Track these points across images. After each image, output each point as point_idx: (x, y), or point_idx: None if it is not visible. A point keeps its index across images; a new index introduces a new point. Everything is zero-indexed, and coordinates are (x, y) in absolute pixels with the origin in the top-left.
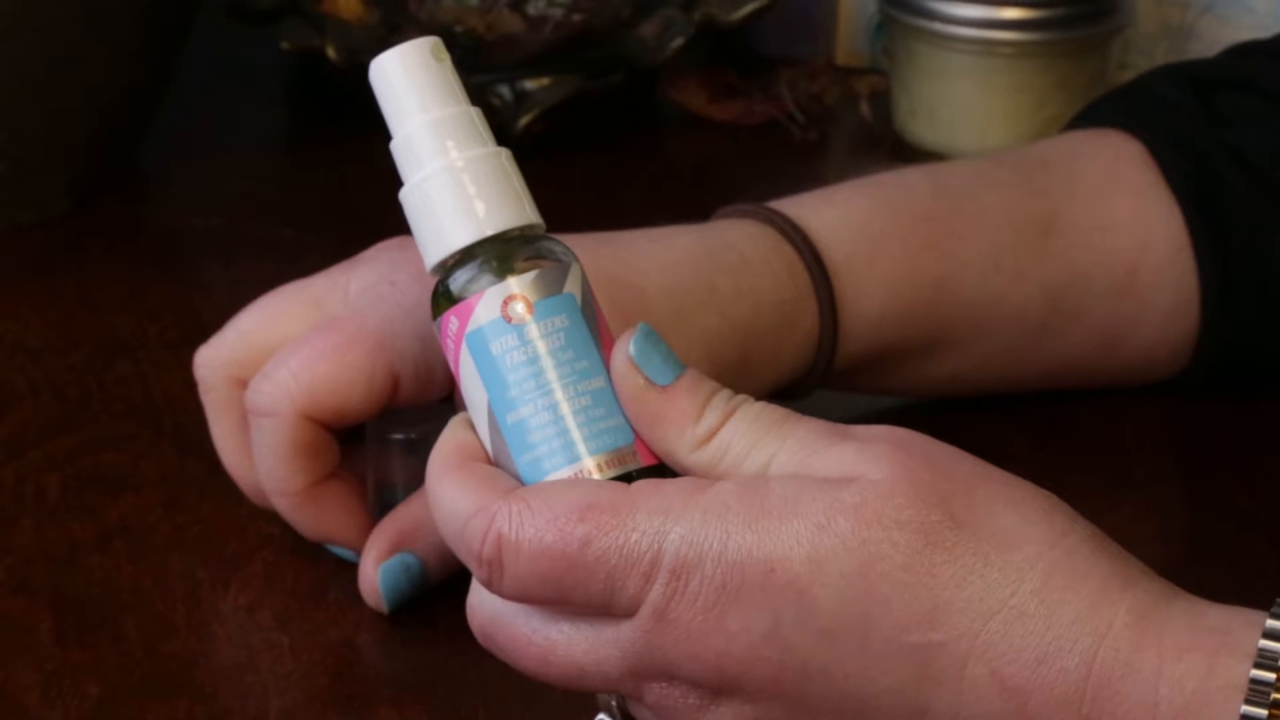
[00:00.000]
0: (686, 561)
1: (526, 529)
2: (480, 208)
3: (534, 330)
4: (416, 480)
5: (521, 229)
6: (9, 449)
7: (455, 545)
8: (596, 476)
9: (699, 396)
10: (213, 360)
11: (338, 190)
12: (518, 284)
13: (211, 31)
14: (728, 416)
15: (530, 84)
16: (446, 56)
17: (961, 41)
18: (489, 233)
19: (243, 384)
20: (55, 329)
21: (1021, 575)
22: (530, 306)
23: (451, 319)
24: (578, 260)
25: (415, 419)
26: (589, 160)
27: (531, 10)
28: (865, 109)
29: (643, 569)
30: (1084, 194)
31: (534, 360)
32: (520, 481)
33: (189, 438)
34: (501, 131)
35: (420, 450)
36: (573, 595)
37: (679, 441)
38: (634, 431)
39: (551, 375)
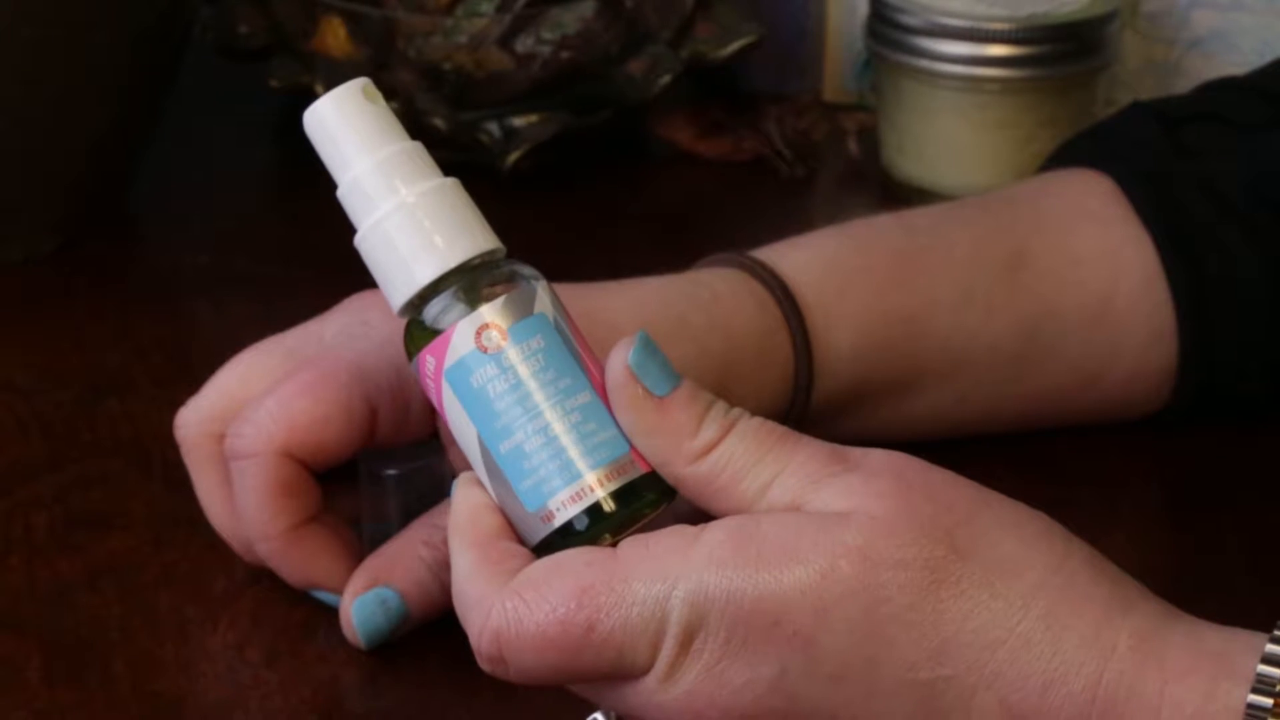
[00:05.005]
0: (691, 624)
1: (526, 625)
2: (439, 241)
3: (512, 356)
4: (409, 515)
5: (483, 256)
6: None
7: (463, 625)
8: (599, 491)
9: (697, 408)
10: (193, 419)
11: (326, 228)
12: (489, 312)
13: (200, 70)
14: (726, 431)
15: (519, 121)
16: (379, 95)
17: (948, 78)
18: (452, 264)
19: (223, 440)
20: (43, 367)
21: (1027, 603)
22: (504, 333)
23: (428, 358)
24: (543, 278)
25: (406, 455)
26: (578, 196)
27: (520, 48)
28: (853, 145)
29: (649, 639)
30: (1052, 228)
31: (517, 386)
32: (523, 508)
33: (177, 476)
34: (490, 168)
35: (413, 484)
36: (582, 674)
37: (676, 453)
38: (629, 440)
39: (538, 398)
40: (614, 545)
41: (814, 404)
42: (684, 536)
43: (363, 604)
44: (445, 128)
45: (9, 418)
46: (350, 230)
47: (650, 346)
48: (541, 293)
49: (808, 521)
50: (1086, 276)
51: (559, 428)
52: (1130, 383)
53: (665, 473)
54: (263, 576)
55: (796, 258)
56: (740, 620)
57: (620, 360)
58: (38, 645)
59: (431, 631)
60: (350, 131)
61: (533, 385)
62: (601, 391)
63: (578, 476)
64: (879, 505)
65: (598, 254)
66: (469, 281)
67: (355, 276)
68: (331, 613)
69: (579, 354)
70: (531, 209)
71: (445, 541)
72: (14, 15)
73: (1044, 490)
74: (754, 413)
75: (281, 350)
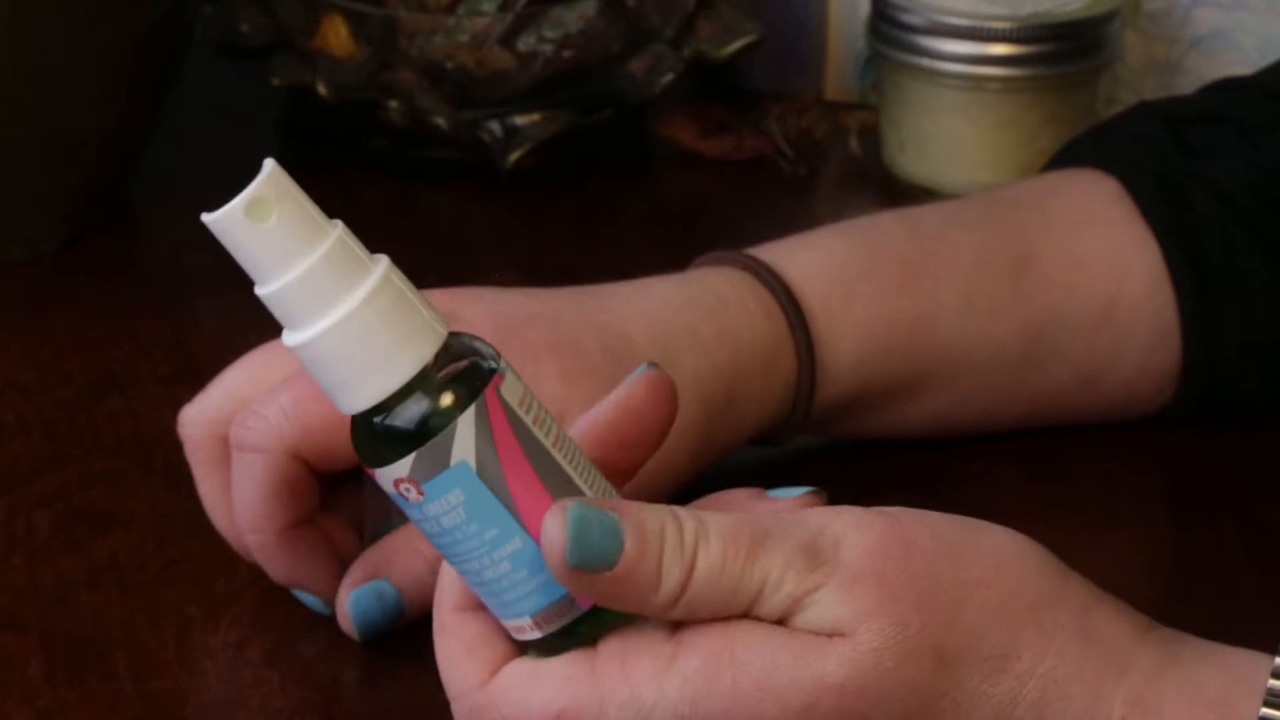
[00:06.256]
0: None
1: None
2: (355, 380)
3: (431, 509)
4: None
5: (424, 367)
6: None
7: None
8: (538, 632)
9: (650, 559)
10: (199, 418)
11: None
12: (400, 468)
13: (203, 68)
14: (689, 573)
15: (520, 120)
16: (270, 210)
17: (950, 77)
18: (369, 405)
19: (228, 439)
20: (46, 365)
21: (1016, 695)
22: (419, 490)
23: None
24: (495, 375)
25: None
26: (579, 195)
27: (522, 46)
28: (854, 144)
29: None
30: (1057, 230)
31: (441, 534)
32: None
33: (180, 474)
34: (491, 167)
35: None
36: None
37: (646, 608)
38: None
39: (463, 549)
40: (594, 647)
41: (816, 409)
42: (659, 658)
43: (359, 596)
44: (447, 126)
45: (11, 416)
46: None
47: (585, 523)
48: (467, 425)
49: (785, 651)
50: (1091, 279)
51: (489, 575)
52: (1133, 383)
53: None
54: (264, 575)
55: (802, 259)
56: None
57: (556, 549)
58: (40, 643)
59: (431, 631)
60: (240, 256)
61: (457, 537)
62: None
63: (517, 615)
64: (865, 627)
65: (599, 253)
66: (398, 414)
67: None
68: (332, 613)
69: (510, 493)
70: (533, 208)
71: None
72: (16, 14)
73: (1046, 489)
74: (758, 416)
75: (289, 351)
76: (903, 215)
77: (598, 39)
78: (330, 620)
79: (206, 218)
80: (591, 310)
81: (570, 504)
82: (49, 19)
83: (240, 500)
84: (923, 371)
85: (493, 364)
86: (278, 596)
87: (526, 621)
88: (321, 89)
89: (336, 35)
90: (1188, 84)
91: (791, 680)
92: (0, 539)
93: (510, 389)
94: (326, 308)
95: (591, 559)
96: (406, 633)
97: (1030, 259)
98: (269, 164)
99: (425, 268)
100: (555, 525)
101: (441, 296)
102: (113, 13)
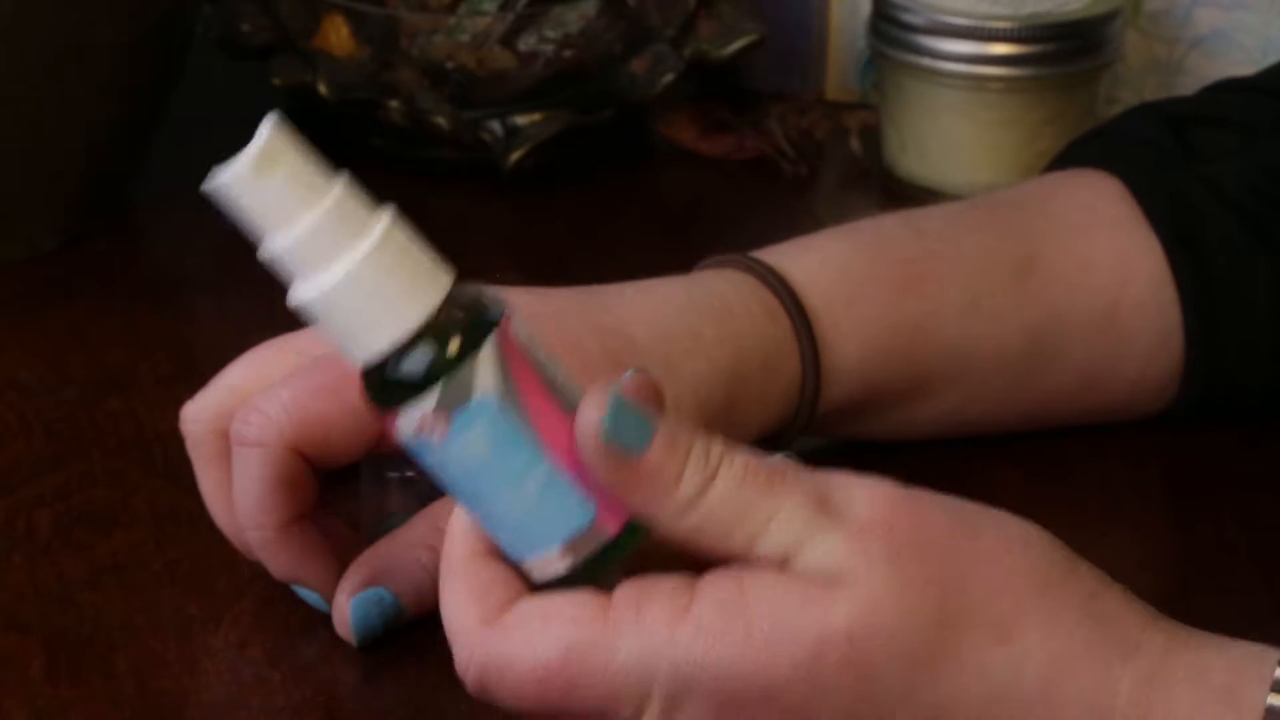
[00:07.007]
0: (677, 695)
1: (513, 668)
2: (369, 326)
3: (455, 448)
4: (411, 514)
5: (424, 321)
6: (0, 485)
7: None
8: (562, 564)
9: (676, 457)
10: (200, 414)
11: None
12: (425, 403)
13: (203, 68)
14: (709, 481)
15: (521, 119)
16: (277, 164)
17: (950, 77)
18: (384, 349)
19: (229, 435)
20: (47, 365)
21: (1021, 667)
22: (445, 427)
23: (388, 422)
24: (497, 309)
25: (409, 460)
26: (580, 195)
27: (523, 46)
28: (855, 144)
29: (634, 703)
30: (1061, 232)
31: (466, 473)
32: (503, 551)
33: (180, 474)
34: (492, 167)
35: (416, 487)
36: (568, 717)
37: (660, 508)
38: (596, 500)
39: (487, 485)
40: (609, 591)
41: (820, 411)
42: (675, 606)
43: (360, 603)
44: (448, 126)
45: (11, 415)
46: None
47: (622, 407)
48: (485, 361)
49: (794, 593)
50: (1095, 281)
51: (515, 509)
52: (1136, 385)
53: (650, 524)
54: (265, 575)
55: (805, 262)
56: (730, 696)
57: (591, 425)
58: (40, 643)
59: (432, 631)
60: (249, 212)
61: (482, 472)
62: (565, 449)
63: (540, 549)
64: (867, 574)
65: (600, 253)
66: (408, 370)
67: None
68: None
69: (532, 424)
70: (534, 208)
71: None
72: (17, 13)
73: (1047, 489)
74: (760, 420)
75: (292, 349)
76: (905, 217)
77: (598, 39)
78: (331, 620)
79: (213, 182)
80: (594, 311)
81: (611, 388)
82: (49, 19)
83: (241, 496)
84: (926, 373)
85: (500, 304)
86: (278, 596)
87: (554, 551)
88: (322, 89)
89: (337, 35)
90: (1188, 84)
91: (799, 630)
92: (0, 539)
93: (520, 326)
94: (337, 257)
95: (625, 437)
96: (406, 633)
97: (1034, 260)
98: (272, 117)
99: None
100: (594, 404)
101: None
102: (113, 13)
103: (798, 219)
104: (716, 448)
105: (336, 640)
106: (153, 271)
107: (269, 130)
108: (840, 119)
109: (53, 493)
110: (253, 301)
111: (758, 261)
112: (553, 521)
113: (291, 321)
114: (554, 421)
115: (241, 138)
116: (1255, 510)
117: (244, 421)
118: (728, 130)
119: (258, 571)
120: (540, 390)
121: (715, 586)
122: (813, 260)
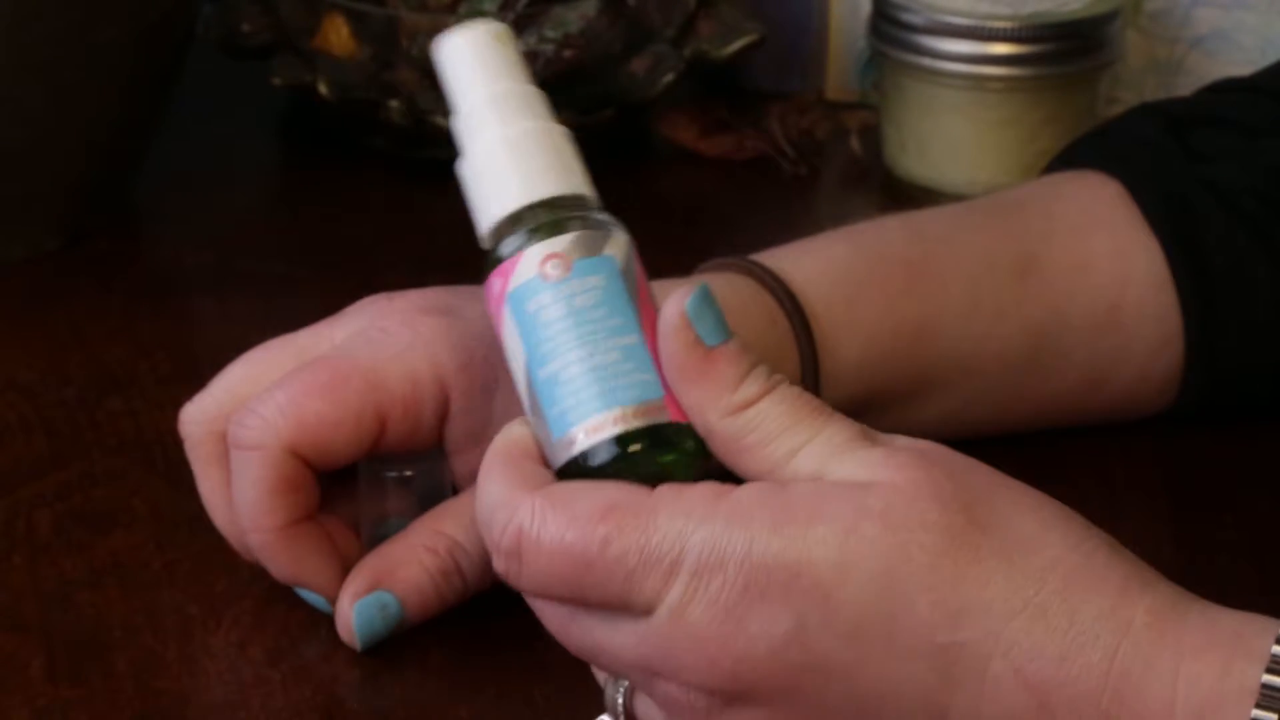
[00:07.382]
0: (708, 564)
1: (548, 526)
2: (529, 174)
3: (569, 288)
4: (409, 518)
5: (571, 197)
6: (0, 485)
7: (482, 534)
8: (621, 425)
9: (741, 364)
10: (199, 416)
11: (330, 225)
12: (556, 243)
13: (204, 67)
14: (765, 393)
15: None
16: (510, 40)
17: (950, 76)
18: (535, 198)
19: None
20: (47, 365)
21: (1044, 576)
22: (568, 265)
23: (495, 281)
24: (626, 232)
25: (407, 458)
26: None
27: (523, 47)
28: (855, 143)
29: (663, 569)
30: (1062, 233)
31: (567, 315)
32: (550, 436)
33: (181, 474)
34: None
35: (413, 487)
36: (590, 594)
37: (713, 404)
38: (665, 389)
39: (584, 330)
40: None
41: None
42: (717, 489)
43: (364, 606)
44: (447, 126)
45: (12, 415)
46: (350, 226)
47: (708, 298)
48: (616, 241)
49: (832, 488)
50: (1095, 283)
51: (598, 360)
52: (1136, 386)
53: (698, 421)
54: (265, 575)
55: (805, 264)
56: (760, 570)
57: (676, 305)
58: (41, 643)
59: (432, 631)
60: (467, 67)
61: (583, 318)
62: (653, 344)
63: (604, 408)
64: (900, 475)
65: None
66: (549, 217)
67: (357, 275)
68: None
69: (638, 303)
70: None
71: (446, 548)
72: (17, 13)
73: (1047, 489)
74: None
75: (292, 349)
76: (905, 219)
77: (598, 39)
78: (331, 620)
79: (448, 38)
80: None
81: (703, 284)
82: (49, 19)
83: (240, 498)
84: (927, 375)
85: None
86: (278, 596)
87: (613, 414)
88: (322, 89)
89: (337, 35)
90: (1188, 84)
91: (838, 506)
92: (1, 539)
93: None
94: (536, 115)
95: (706, 324)
96: (407, 634)
97: (1035, 262)
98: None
99: (425, 267)
100: (682, 293)
101: (443, 295)
102: (113, 12)
103: (798, 219)
104: (776, 374)
105: (337, 640)
106: (152, 271)
107: (497, 23)
108: (840, 119)
109: (53, 493)
110: (253, 301)
111: (757, 264)
112: (624, 384)
113: (291, 321)
114: (650, 322)
115: (241, 138)
116: (1255, 510)
117: (240, 424)
118: (728, 130)
119: (258, 572)
120: (645, 286)
121: (756, 484)
122: (813, 263)
